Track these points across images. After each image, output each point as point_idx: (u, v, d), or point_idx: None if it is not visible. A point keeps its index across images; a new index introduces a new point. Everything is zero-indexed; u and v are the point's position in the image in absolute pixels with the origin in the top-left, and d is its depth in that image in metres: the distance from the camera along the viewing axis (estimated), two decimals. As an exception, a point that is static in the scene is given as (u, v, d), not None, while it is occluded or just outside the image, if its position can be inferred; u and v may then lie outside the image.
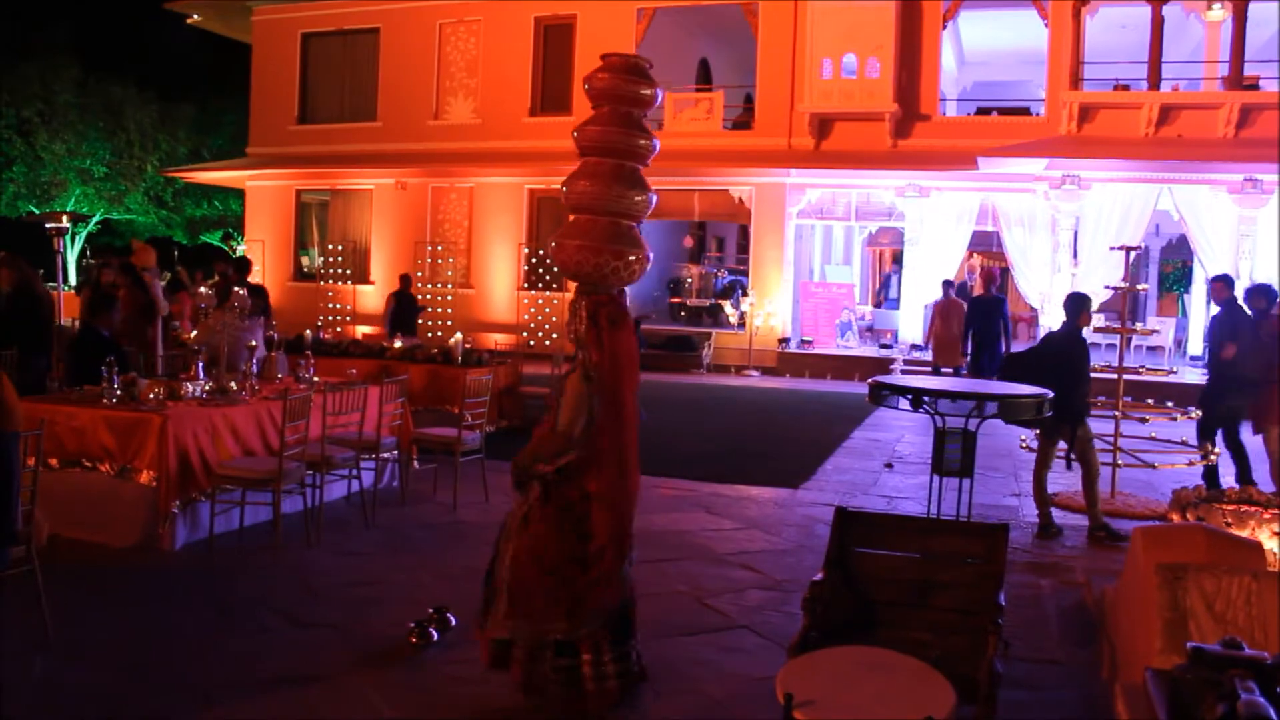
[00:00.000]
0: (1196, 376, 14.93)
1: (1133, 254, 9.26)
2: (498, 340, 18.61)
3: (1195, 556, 3.87)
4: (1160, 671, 2.62)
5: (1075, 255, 16.26)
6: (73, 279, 26.80)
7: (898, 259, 21.36)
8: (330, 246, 21.46)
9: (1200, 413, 8.68)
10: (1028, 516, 7.61)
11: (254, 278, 15.55)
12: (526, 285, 19.61)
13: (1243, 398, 8.18)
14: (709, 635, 4.99)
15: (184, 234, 33.00)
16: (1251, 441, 8.35)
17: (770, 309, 18.08)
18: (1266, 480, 8.00)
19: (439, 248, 20.22)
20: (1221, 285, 9.29)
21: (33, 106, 28.52)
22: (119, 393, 6.22)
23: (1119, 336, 8.97)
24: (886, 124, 17.30)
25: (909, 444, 10.90)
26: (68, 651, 4.48)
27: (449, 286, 19.98)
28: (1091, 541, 7.05)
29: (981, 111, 19.38)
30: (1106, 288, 10.17)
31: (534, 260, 19.50)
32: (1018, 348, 12.37)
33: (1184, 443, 9.34)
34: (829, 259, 22.65)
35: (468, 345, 10.38)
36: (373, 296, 20.80)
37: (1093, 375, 7.65)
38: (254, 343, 7.31)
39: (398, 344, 10.76)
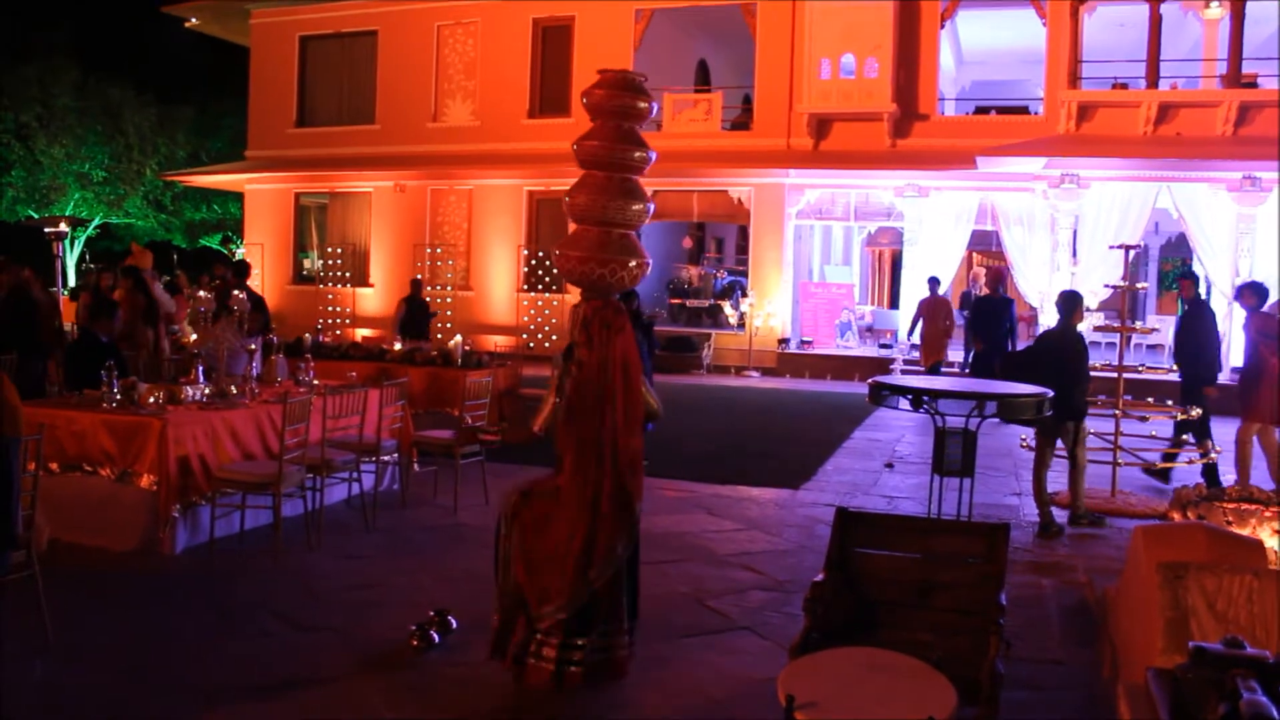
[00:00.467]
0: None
1: (1132, 253, 9.27)
2: (497, 342, 18.60)
3: (1196, 555, 3.86)
4: (1162, 671, 2.62)
5: (1074, 254, 16.25)
6: (72, 283, 26.78)
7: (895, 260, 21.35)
8: (329, 249, 21.46)
9: (1199, 411, 8.72)
10: (1028, 516, 7.61)
11: (253, 281, 15.53)
12: (526, 287, 19.60)
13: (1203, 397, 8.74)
14: (710, 636, 4.99)
15: (183, 238, 32.99)
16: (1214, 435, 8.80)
17: (770, 309, 18.08)
18: (1264, 479, 8.03)
19: (438, 250, 20.22)
20: (1189, 283, 9.50)
21: (31, 110, 28.53)
22: (119, 397, 6.22)
23: (1119, 335, 8.98)
24: (885, 124, 17.29)
25: (909, 444, 10.89)
26: (68, 655, 4.48)
27: (448, 289, 19.98)
28: (1071, 525, 7.32)
29: (980, 111, 19.35)
30: (1106, 286, 10.18)
31: (533, 262, 19.50)
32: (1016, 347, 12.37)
33: (1184, 441, 9.35)
34: (828, 259, 22.65)
35: (467, 347, 10.37)
36: (372, 299, 20.80)
37: (1092, 374, 7.66)
38: (253, 346, 7.31)
39: (398, 346, 10.75)
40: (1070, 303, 7.40)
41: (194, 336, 8.53)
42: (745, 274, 19.22)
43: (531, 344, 19.00)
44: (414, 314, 14.35)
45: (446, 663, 4.53)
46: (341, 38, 21.67)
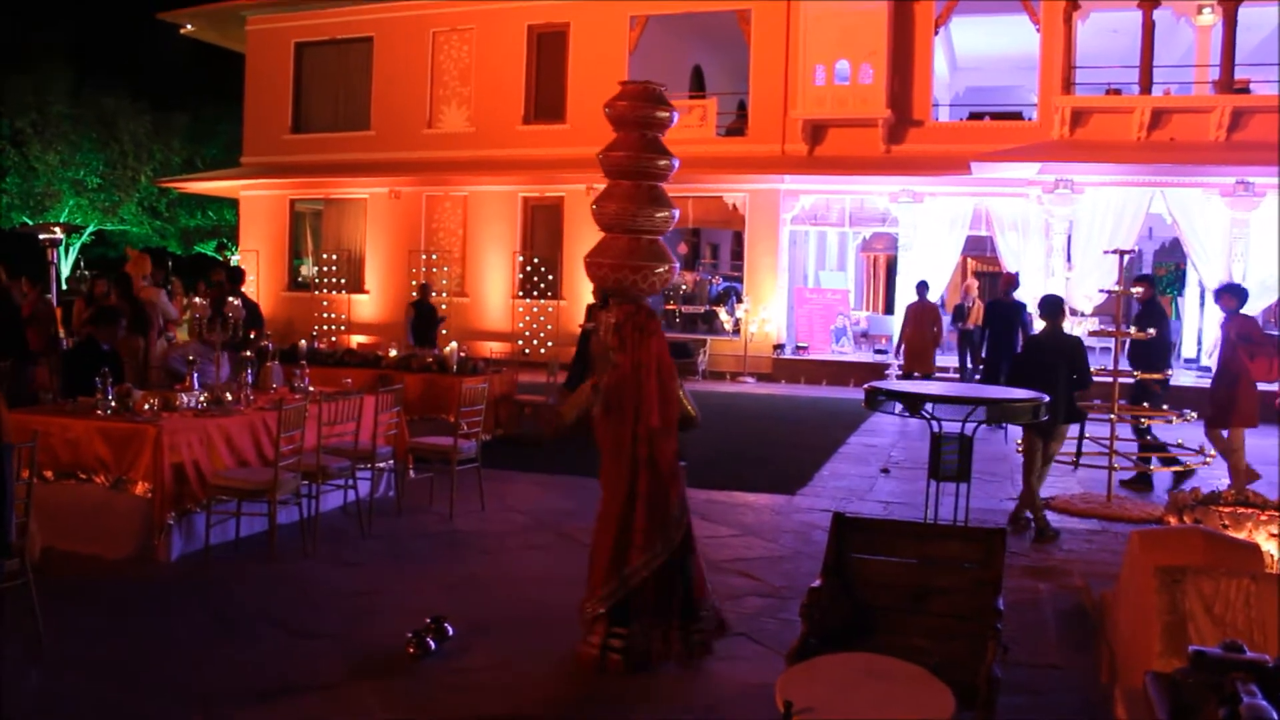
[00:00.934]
0: (1191, 379, 14.98)
1: (1126, 257, 9.31)
2: (493, 348, 18.57)
3: (1193, 559, 3.86)
4: (1160, 675, 2.61)
5: (1069, 259, 16.29)
6: (64, 289, 26.72)
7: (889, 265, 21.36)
8: (325, 256, 21.44)
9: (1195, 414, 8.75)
10: (1024, 519, 7.60)
11: (248, 288, 15.50)
12: (521, 293, 19.59)
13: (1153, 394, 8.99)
14: (707, 642, 4.97)
15: (178, 244, 32.93)
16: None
17: (765, 315, 18.08)
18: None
19: (433, 256, 20.20)
20: (1147, 285, 9.60)
21: (26, 117, 28.48)
22: (113, 404, 6.20)
23: (1113, 339, 9.00)
24: (880, 130, 17.33)
25: (905, 449, 10.90)
26: (63, 663, 4.46)
27: (444, 295, 19.96)
28: (1014, 528, 7.23)
29: (974, 117, 19.40)
30: (1100, 291, 10.20)
31: (529, 268, 19.49)
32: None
33: (1179, 445, 9.37)
34: (823, 265, 22.65)
35: (463, 354, 10.36)
36: (367, 306, 20.78)
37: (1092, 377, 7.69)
38: (248, 353, 7.30)
39: (393, 353, 10.74)
40: (1055, 306, 7.56)
41: (188, 344, 8.52)
42: (740, 280, 19.23)
43: (527, 350, 18.98)
44: (422, 319, 14.31)
45: (443, 669, 4.51)
46: (337, 44, 21.67)
